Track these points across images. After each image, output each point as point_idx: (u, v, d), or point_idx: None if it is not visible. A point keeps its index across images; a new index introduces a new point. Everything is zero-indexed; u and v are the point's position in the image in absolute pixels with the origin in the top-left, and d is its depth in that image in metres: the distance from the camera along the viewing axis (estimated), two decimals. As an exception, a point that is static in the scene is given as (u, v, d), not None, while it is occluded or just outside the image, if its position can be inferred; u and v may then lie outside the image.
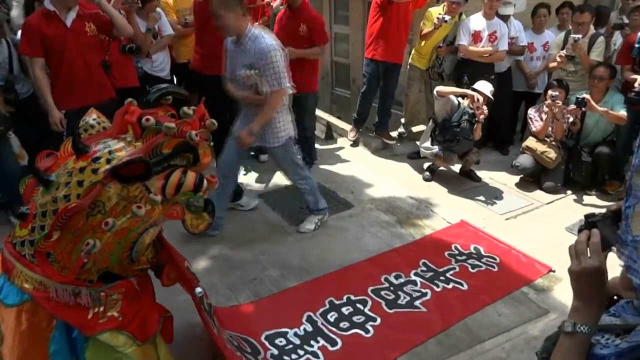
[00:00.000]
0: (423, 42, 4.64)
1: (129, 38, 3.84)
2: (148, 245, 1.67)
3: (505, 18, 4.56)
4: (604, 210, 1.06)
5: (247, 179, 4.28)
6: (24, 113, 3.52)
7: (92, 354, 1.64)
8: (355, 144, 5.06)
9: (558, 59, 4.28)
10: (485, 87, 4.09)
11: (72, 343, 1.64)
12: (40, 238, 1.48)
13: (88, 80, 3.27)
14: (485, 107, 3.98)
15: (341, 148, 5.04)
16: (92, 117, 1.76)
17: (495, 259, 3.14)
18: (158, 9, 4.20)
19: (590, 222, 1.00)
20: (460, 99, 4.10)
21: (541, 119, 4.18)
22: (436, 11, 4.48)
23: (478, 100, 3.96)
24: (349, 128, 5.12)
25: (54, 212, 1.49)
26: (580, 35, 4.12)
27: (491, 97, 4.07)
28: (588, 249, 0.96)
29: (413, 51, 4.85)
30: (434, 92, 4.11)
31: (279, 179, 4.28)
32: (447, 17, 4.32)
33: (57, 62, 3.19)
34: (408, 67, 4.89)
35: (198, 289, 1.87)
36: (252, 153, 4.70)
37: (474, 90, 4.06)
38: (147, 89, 4.07)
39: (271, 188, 4.12)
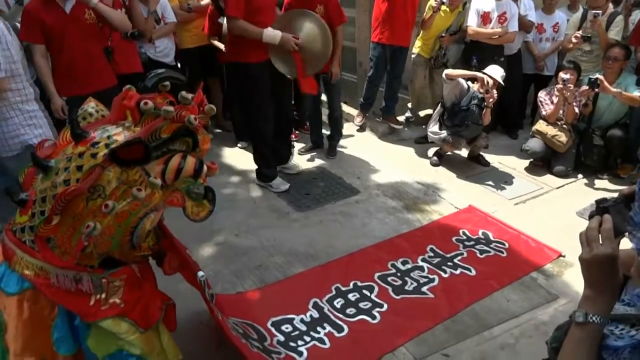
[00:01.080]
0: (426, 31, 4.55)
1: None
2: (149, 231, 1.65)
3: None
4: (616, 195, 1.01)
5: (252, 164, 4.24)
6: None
7: (94, 341, 1.63)
8: (362, 129, 5.00)
9: (574, 40, 4.15)
10: (496, 71, 3.99)
11: (75, 330, 1.63)
12: (40, 222, 1.47)
13: (89, 67, 3.22)
14: (495, 92, 3.90)
15: (348, 134, 4.98)
16: (91, 105, 1.75)
17: (504, 244, 3.09)
18: None
19: (602, 207, 0.96)
20: (469, 82, 4.01)
21: (552, 103, 4.08)
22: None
23: (488, 83, 3.87)
24: (356, 113, 5.06)
25: (54, 197, 1.47)
26: (600, 11, 4.00)
27: (502, 82, 3.97)
28: (600, 235, 0.91)
29: (417, 40, 4.76)
30: (443, 75, 4.02)
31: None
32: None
33: (57, 49, 3.15)
34: (413, 54, 4.80)
35: (200, 273, 1.86)
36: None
37: (484, 74, 3.97)
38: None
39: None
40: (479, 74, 3.95)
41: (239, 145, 4.63)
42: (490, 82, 3.88)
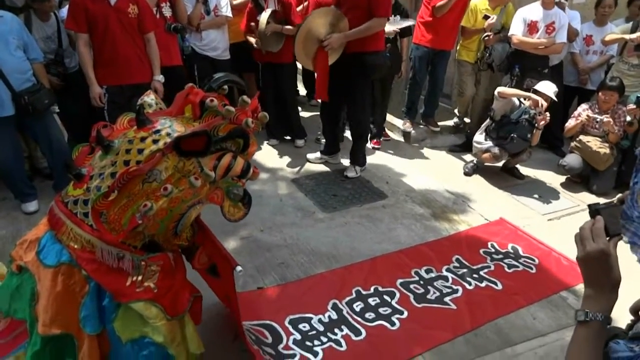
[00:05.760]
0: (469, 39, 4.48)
1: (174, 17, 3.88)
2: (191, 221, 1.72)
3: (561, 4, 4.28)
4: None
5: (281, 162, 4.27)
6: (70, 86, 3.63)
7: (120, 324, 1.66)
8: (408, 137, 4.85)
9: (633, 36, 3.97)
10: (548, 88, 3.86)
11: (102, 311, 1.66)
12: (98, 196, 1.54)
13: (128, 59, 3.32)
14: (547, 114, 3.78)
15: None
16: (150, 97, 1.84)
17: (534, 260, 3.00)
18: None
19: (594, 210, 1.00)
20: (522, 99, 3.90)
21: (588, 119, 3.96)
22: (481, 4, 4.29)
23: (542, 106, 3.75)
24: (402, 122, 4.93)
25: (112, 174, 1.54)
26: None
27: (555, 98, 3.84)
28: (591, 234, 0.95)
29: (459, 46, 4.66)
30: (495, 92, 3.91)
31: (314, 165, 4.25)
32: (494, 18, 4.23)
33: (100, 39, 3.26)
34: (457, 62, 4.70)
35: (238, 267, 1.89)
36: (288, 137, 4.70)
37: (537, 92, 3.85)
38: (188, 68, 4.16)
39: (304, 173, 4.09)
40: (533, 96, 3.82)
41: (269, 142, 4.66)
42: (544, 104, 3.75)
